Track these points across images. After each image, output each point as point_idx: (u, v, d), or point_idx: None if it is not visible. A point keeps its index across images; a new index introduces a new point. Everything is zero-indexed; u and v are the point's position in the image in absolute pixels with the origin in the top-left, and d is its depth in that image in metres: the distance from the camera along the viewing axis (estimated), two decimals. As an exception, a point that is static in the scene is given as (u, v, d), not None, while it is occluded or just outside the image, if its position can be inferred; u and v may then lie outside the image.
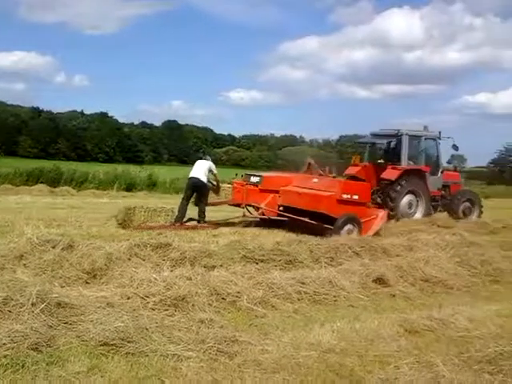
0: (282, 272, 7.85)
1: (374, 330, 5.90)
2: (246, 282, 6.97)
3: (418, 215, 15.54)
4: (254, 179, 14.05)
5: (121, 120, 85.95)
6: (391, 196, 15.00)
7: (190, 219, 13.24)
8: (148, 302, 5.98)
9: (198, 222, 13.17)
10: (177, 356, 4.70)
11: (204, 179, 13.28)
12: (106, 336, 4.87)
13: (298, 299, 6.88)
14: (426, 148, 16.53)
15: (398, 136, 15.89)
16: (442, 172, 17.04)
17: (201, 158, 14.16)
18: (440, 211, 16.13)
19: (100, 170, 26.89)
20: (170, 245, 8.43)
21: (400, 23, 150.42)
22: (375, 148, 17.33)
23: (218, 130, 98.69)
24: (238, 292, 6.63)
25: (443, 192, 16.86)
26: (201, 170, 13.36)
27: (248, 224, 13.82)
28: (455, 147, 16.88)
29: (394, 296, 7.52)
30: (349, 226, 12.21)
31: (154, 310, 5.86)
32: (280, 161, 79.19)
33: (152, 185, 25.87)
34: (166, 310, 5.92)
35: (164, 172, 30.95)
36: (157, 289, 6.26)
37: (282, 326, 5.91)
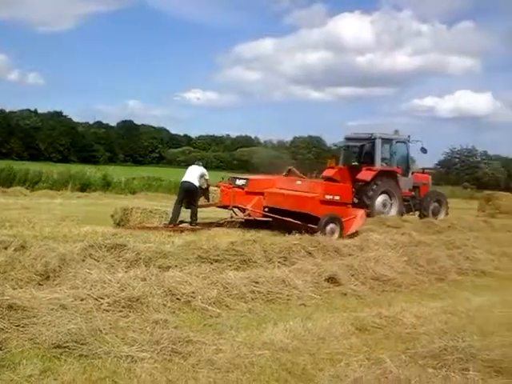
0: (237, 272, 7.85)
1: (325, 328, 5.98)
2: (200, 282, 6.93)
3: (392, 214, 16.02)
4: (239, 182, 14.42)
5: (75, 119, 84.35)
6: (368, 195, 15.48)
7: (182, 221, 13.48)
8: (102, 304, 5.86)
9: (190, 223, 13.41)
10: (131, 357, 4.64)
11: (196, 183, 13.64)
12: (58, 338, 4.76)
13: (252, 299, 6.89)
14: (398, 151, 17.14)
15: (371, 139, 16.54)
16: (412, 173, 17.66)
17: (193, 164, 14.42)
18: (411, 211, 17.00)
19: (54, 169, 26.36)
20: (125, 245, 8.33)
21: (352, 27, 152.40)
22: (349, 151, 18.03)
23: (173, 131, 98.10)
24: (193, 292, 6.59)
25: (413, 193, 17.40)
26: (194, 174, 13.73)
27: (234, 225, 13.90)
28: (424, 150, 17.60)
29: (345, 295, 7.61)
30: (331, 226, 12.70)
31: (107, 311, 5.75)
32: (235, 161, 79.58)
33: (106, 185, 25.50)
34: (120, 311, 5.83)
35: (119, 172, 30.58)
36: (111, 290, 6.16)
37: (236, 326, 5.91)
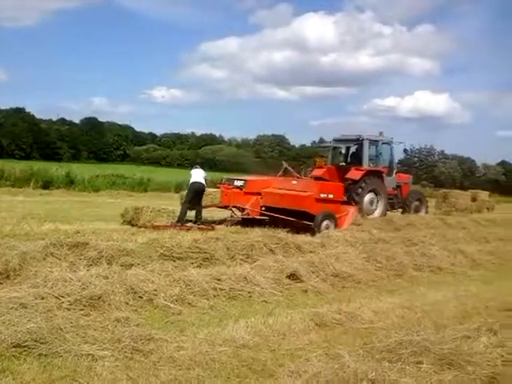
0: (199, 269, 7.84)
1: (286, 324, 6.02)
2: (163, 280, 6.90)
3: (378, 212, 16.58)
4: (237, 183, 14.98)
5: (38, 116, 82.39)
6: (357, 193, 15.85)
7: (187, 220, 13.76)
8: (63, 302, 5.77)
9: (195, 222, 13.69)
10: (91, 356, 4.59)
11: (204, 184, 14.26)
12: (18, 337, 4.66)
13: (214, 296, 6.89)
14: (383, 151, 17.61)
15: (359, 141, 17.04)
16: (395, 173, 18.26)
17: (195, 168, 14.77)
18: (394, 208, 17.72)
19: (16, 167, 25.78)
20: (87, 244, 8.24)
21: (316, 27, 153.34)
22: (337, 152, 18.49)
23: (138, 128, 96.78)
24: (155, 290, 6.56)
25: (396, 191, 18.02)
26: (201, 176, 14.22)
27: (235, 223, 14.35)
28: (406, 151, 18.93)
29: (306, 291, 7.67)
30: (326, 222, 13.45)
31: (68, 310, 5.66)
32: (200, 159, 79.21)
33: (70, 183, 25.04)
34: (82, 309, 5.76)
35: (83, 170, 30.12)
36: (72, 288, 6.07)
37: (198, 323, 5.90)
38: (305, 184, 14.90)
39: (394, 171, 18.13)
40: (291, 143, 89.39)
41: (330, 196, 14.03)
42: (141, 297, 6.42)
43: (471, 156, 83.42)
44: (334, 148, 18.47)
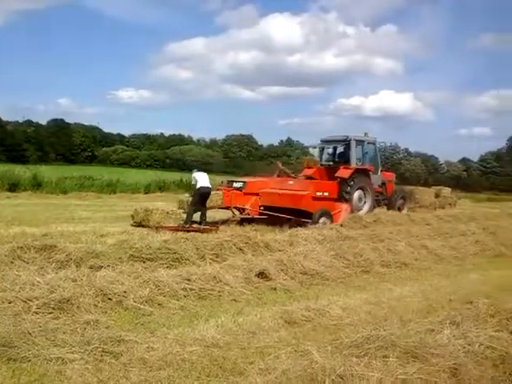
0: (169, 270, 7.82)
1: (256, 322, 6.05)
2: (132, 281, 6.86)
3: (366, 208, 17.19)
4: (237, 184, 15.59)
5: (3, 117, 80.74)
6: (347, 191, 16.48)
7: (193, 222, 14.05)
8: (31, 306, 5.68)
9: (200, 223, 13.98)
10: (61, 359, 4.54)
11: (211, 187, 14.68)
12: (-15, 343, 4.59)
13: (184, 296, 6.87)
14: (368, 151, 18.46)
15: (347, 141, 17.72)
16: (381, 171, 18.99)
17: (198, 171, 15.03)
18: (380, 205, 18.26)
19: (-19, 169, 25.23)
20: (56, 246, 8.14)
21: (282, 28, 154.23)
22: (325, 151, 19.21)
23: (106, 129, 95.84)
24: (125, 291, 6.51)
25: (381, 189, 18.71)
26: (208, 180, 14.52)
27: (238, 223, 14.96)
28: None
29: (275, 289, 7.70)
30: (323, 219, 14.18)
31: (37, 313, 5.58)
32: (169, 160, 78.73)
33: (37, 185, 24.57)
34: (51, 313, 5.68)
35: (50, 172, 29.60)
36: (40, 292, 5.99)
37: (168, 323, 5.88)
38: (302, 184, 15.71)
39: (379, 169, 18.81)
40: (259, 143, 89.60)
41: (326, 194, 14.86)
42: (110, 299, 6.36)
43: (434, 153, 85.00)
44: (322, 148, 19.18)
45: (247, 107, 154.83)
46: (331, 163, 18.55)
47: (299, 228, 12.60)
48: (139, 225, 13.71)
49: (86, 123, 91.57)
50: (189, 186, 28.12)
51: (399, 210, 18.76)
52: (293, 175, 17.71)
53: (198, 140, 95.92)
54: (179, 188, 28.72)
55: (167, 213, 14.03)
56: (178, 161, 78.91)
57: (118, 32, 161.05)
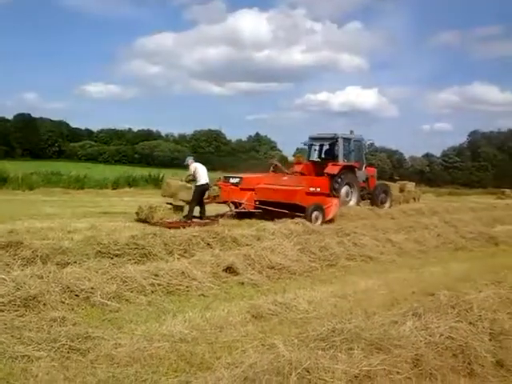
0: (137, 265, 7.73)
1: (223, 317, 6.05)
2: (99, 278, 6.76)
3: (353, 202, 18.20)
4: (233, 180, 15.95)
5: (-33, 112, 78.82)
6: (335, 187, 17.32)
7: (194, 217, 14.03)
8: (-4, 304, 5.58)
9: (201, 218, 14.08)
10: (27, 357, 4.46)
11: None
12: (-52, 342, 4.48)
13: (152, 291, 6.81)
14: (355, 148, 19.33)
15: (335, 139, 18.66)
16: (365, 167, 19.85)
17: (196, 162, 14.81)
18: (364, 200, 19.12)
19: None
20: (22, 243, 7.99)
21: (250, 24, 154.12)
22: (313, 148, 20.08)
23: (74, 124, 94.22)
24: (92, 288, 6.42)
25: (365, 184, 19.51)
26: (207, 175, 14.47)
27: (235, 217, 15.18)
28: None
29: (242, 284, 7.70)
30: (316, 213, 14.50)
31: (2, 311, 5.48)
32: (137, 155, 77.95)
33: (2, 180, 24.01)
34: (16, 310, 5.57)
35: (16, 167, 29.00)
36: (6, 289, 5.84)
37: (136, 319, 5.83)
38: (295, 179, 16.45)
39: (364, 166, 19.71)
40: (228, 138, 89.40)
41: (318, 189, 15.37)
42: (77, 295, 6.26)
43: (399, 149, 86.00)
44: (311, 145, 20.02)
45: (216, 102, 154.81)
46: (319, 159, 19.42)
47: (266, 223, 12.64)
48: (143, 221, 13.66)
49: (53, 118, 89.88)
50: (157, 181, 28.06)
51: (382, 203, 19.55)
52: (287, 172, 18.31)
53: (167, 135, 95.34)
54: (148, 183, 28.45)
55: (170, 209, 14.06)
56: (147, 156, 78.23)
57: (87, 26, 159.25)
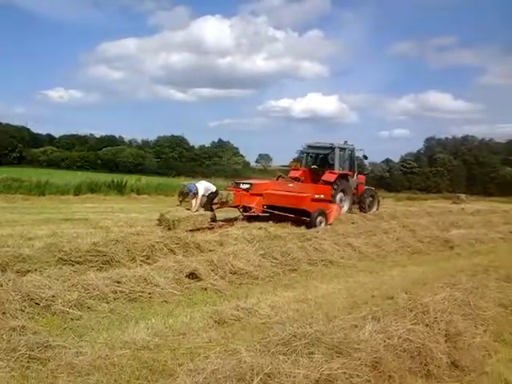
0: (99, 272, 7.59)
1: (186, 323, 6.01)
2: (60, 285, 6.62)
3: (346, 208, 18.96)
4: (244, 186, 16.66)
5: None
6: (331, 193, 17.65)
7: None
8: (-47, 314, 5.40)
9: (214, 221, 14.53)
10: (-15, 368, 4.33)
11: None
12: None
13: (114, 299, 6.71)
14: (348, 157, 20.36)
15: (332, 148, 19.60)
16: (357, 175, 20.67)
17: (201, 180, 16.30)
18: (354, 204, 19.91)
19: None
20: (-21, 251, 7.74)
21: (213, 30, 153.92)
22: (311, 156, 20.96)
23: (36, 130, 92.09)
24: (53, 296, 6.28)
25: (355, 191, 20.21)
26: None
27: (245, 220, 15.81)
28: (365, 157, 22.49)
29: (205, 289, 7.65)
30: (320, 218, 15.49)
31: (-41, 321, 5.32)
32: (100, 161, 76.77)
33: (-40, 188, 23.23)
34: (-26, 320, 5.41)
35: (-24, 173, 28.14)
36: (-37, 298, 5.69)
37: (98, 327, 5.74)
38: (302, 186, 17.47)
39: (356, 174, 20.61)
40: (191, 144, 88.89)
41: (322, 196, 16.24)
42: (38, 303, 6.11)
43: (359, 155, 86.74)
44: (307, 154, 20.95)
45: (179, 108, 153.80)
46: (315, 167, 20.22)
47: (229, 228, 12.61)
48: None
49: (14, 123, 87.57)
50: (120, 187, 27.68)
51: (369, 207, 20.55)
52: (289, 179, 19.38)
53: (130, 141, 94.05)
54: (111, 189, 28.01)
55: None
56: (110, 162, 77.06)
57: (49, 30, 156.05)
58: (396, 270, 10.23)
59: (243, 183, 17.01)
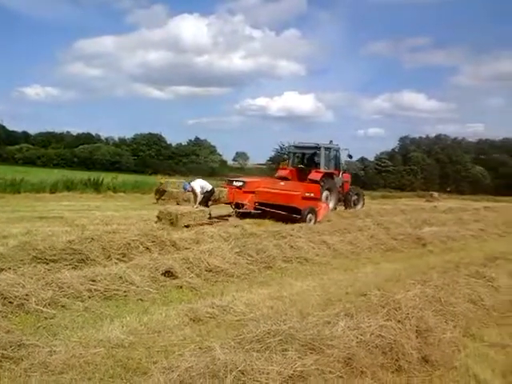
0: (74, 271, 7.52)
1: (161, 321, 5.98)
2: (34, 284, 6.53)
3: (331, 206, 19.47)
4: (237, 183, 17.23)
5: None
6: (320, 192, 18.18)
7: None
8: None
9: (210, 217, 15.16)
10: (-44, 369, 4.26)
11: None
12: None
13: (89, 297, 6.65)
14: (333, 156, 21.02)
15: (317, 148, 20.16)
16: (342, 174, 21.30)
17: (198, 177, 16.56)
18: (339, 202, 20.71)
19: None
20: (-48, 250, 7.60)
21: (191, 28, 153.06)
22: (297, 156, 21.52)
23: (11, 127, 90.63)
24: (26, 294, 6.19)
25: (340, 189, 20.92)
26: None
27: (239, 216, 16.34)
28: (350, 156, 22.42)
29: (181, 287, 7.62)
30: (310, 215, 15.98)
31: None
32: (76, 159, 75.87)
33: None
34: None
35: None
36: None
37: (72, 326, 5.68)
38: (293, 185, 17.84)
39: (341, 172, 21.23)
40: (168, 142, 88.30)
41: (312, 195, 16.63)
42: (11, 302, 6.03)
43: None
44: (294, 153, 21.55)
45: (156, 106, 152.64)
46: (302, 166, 20.75)
47: (205, 226, 12.58)
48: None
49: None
50: (97, 185, 27.43)
51: (354, 205, 21.38)
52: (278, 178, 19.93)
53: (107, 139, 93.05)
54: (87, 187, 27.70)
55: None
56: (86, 159, 76.20)
57: (26, 27, 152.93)
58: (370, 267, 10.32)
59: (236, 181, 17.50)
